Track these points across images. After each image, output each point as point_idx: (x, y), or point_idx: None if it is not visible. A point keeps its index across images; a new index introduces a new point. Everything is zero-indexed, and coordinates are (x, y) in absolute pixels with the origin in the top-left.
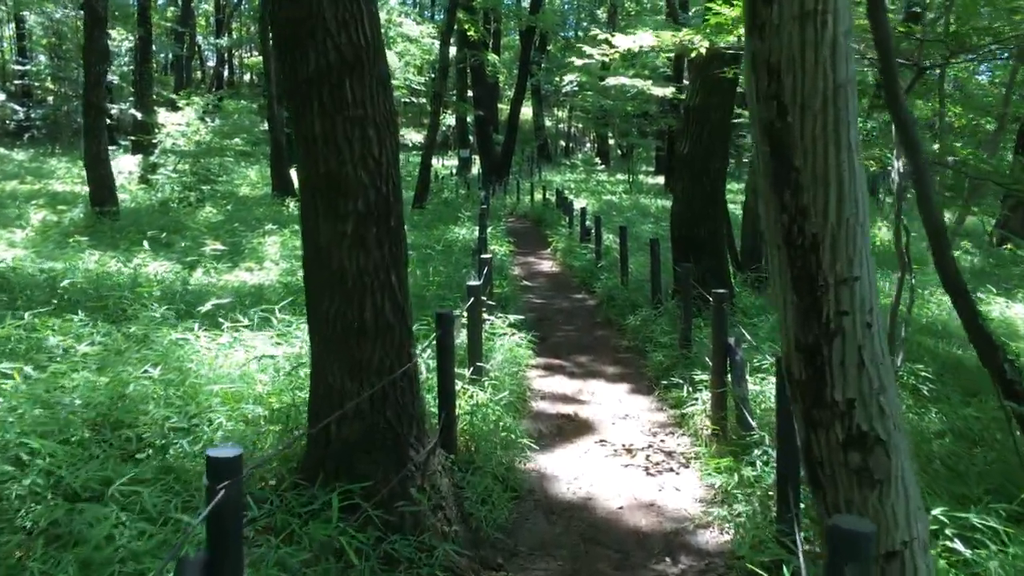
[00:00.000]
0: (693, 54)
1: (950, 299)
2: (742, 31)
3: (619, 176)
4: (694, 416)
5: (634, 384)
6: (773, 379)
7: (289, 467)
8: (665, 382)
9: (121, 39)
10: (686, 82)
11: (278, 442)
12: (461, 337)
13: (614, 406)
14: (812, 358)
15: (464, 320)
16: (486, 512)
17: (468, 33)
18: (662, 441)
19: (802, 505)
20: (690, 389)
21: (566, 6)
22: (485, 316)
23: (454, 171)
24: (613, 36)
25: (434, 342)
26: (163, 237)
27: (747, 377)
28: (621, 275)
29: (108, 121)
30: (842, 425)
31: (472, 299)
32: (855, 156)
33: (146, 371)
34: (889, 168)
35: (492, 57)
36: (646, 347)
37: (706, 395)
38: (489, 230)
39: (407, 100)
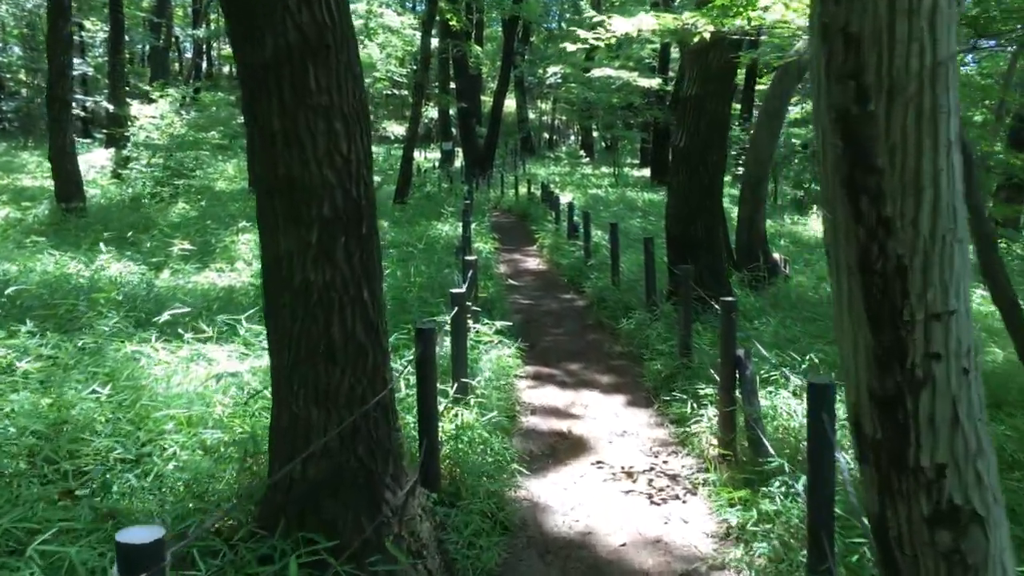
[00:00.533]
0: (696, 39)
1: (1000, 312)
2: (751, 14)
3: (604, 169)
4: (699, 435)
5: (631, 395)
6: (785, 393)
7: (246, 509)
8: (665, 395)
9: (96, 30)
10: (672, 73)
11: (238, 475)
12: (445, 346)
13: (610, 421)
14: (891, 412)
15: (448, 328)
16: (473, 557)
17: (450, 23)
18: (665, 463)
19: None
20: (694, 404)
21: None
22: (470, 324)
23: (437, 164)
24: (610, 19)
25: (415, 357)
26: (130, 236)
27: (759, 393)
28: (612, 274)
29: (83, 114)
30: (929, 496)
31: (456, 308)
32: (955, 155)
33: (94, 391)
34: None
35: (475, 48)
36: (642, 353)
37: (712, 411)
38: (473, 226)
39: (389, 92)
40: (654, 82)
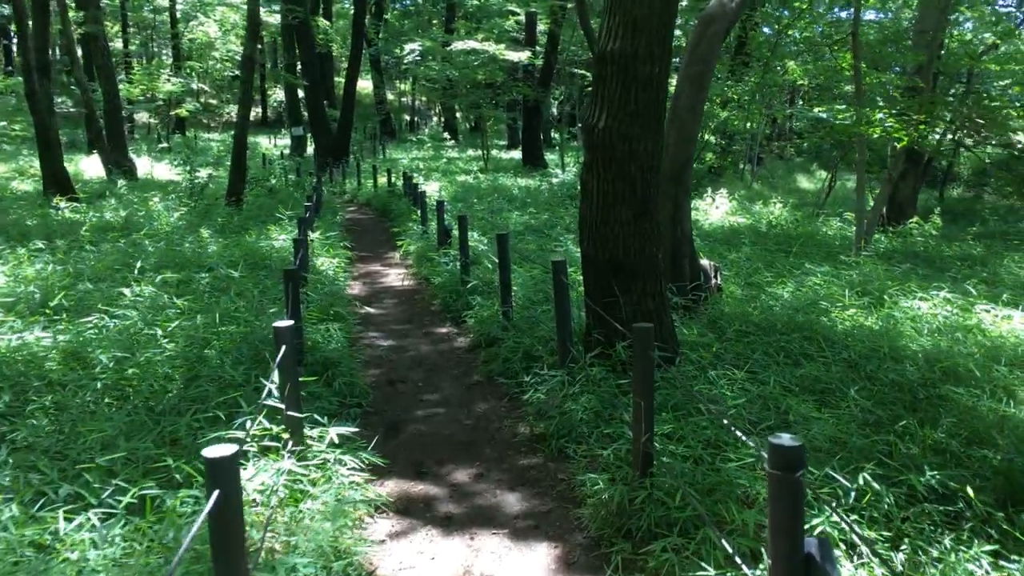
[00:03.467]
0: None
1: None
2: None
3: (471, 152)
4: None
5: (562, 545)
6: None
7: None
8: (621, 548)
9: None
10: (539, 48)
11: None
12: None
13: None
14: None
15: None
16: None
17: None
18: None
19: None
20: None
21: None
22: (284, 456)
23: (286, 152)
24: None
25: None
26: None
27: None
28: (502, 303)
29: None
30: None
31: (215, 506)
32: None
33: None
34: None
35: (322, 22)
36: (566, 448)
37: None
38: (317, 235)
39: (232, 74)
40: (523, 55)
